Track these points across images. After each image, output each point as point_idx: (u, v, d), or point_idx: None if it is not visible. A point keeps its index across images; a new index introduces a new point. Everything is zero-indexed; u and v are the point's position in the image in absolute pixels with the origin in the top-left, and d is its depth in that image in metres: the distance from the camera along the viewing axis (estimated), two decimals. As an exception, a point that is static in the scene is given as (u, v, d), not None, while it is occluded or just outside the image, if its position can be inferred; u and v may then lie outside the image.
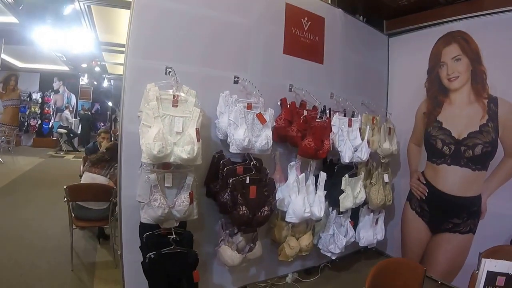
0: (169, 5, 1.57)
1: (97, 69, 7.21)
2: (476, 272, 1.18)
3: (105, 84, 8.91)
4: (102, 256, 2.30)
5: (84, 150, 3.50)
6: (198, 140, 1.34)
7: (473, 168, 2.10)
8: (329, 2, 2.34)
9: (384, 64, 2.68)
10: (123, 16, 3.70)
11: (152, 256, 1.33)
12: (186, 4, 1.63)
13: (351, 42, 2.35)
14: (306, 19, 2.10)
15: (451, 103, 2.26)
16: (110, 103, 9.31)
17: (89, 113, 8.76)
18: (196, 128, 1.37)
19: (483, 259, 1.20)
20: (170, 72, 1.49)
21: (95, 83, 8.83)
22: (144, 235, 1.39)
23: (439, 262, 2.26)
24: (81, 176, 2.51)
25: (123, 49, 1.72)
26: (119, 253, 1.52)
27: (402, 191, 2.52)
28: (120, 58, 5.78)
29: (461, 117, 2.19)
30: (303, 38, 2.08)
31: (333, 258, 2.13)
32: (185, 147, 1.31)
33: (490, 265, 1.17)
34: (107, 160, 2.39)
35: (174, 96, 1.38)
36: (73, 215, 2.08)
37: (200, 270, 1.46)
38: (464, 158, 2.13)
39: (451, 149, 2.20)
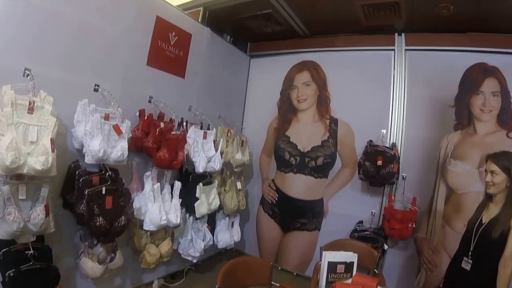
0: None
1: None
2: (320, 263, 1.69)
3: None
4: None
5: None
6: (52, 151, 1.53)
7: (315, 176, 3.14)
8: (199, 21, 2.97)
9: (244, 82, 3.60)
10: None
11: (12, 274, 1.48)
12: (49, 1, 1.77)
13: (214, 60, 3.08)
14: (174, 33, 2.66)
15: (298, 121, 3.28)
16: None
17: None
18: (51, 138, 1.54)
19: (323, 251, 1.74)
20: (28, 75, 1.61)
21: None
22: (1, 252, 1.52)
23: (292, 256, 3.20)
24: None
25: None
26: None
27: (256, 196, 3.46)
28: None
29: (306, 133, 3.22)
30: (168, 52, 2.63)
31: (194, 261, 2.74)
32: (39, 158, 1.47)
33: (330, 256, 1.69)
34: None
35: (30, 103, 1.51)
36: None
37: (63, 284, 1.69)
38: (308, 167, 3.15)
39: (297, 160, 3.21)
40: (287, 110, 3.38)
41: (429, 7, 2.61)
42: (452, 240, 2.58)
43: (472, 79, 2.84)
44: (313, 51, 3.32)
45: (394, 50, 2.99)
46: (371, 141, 2.82)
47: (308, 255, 3.19)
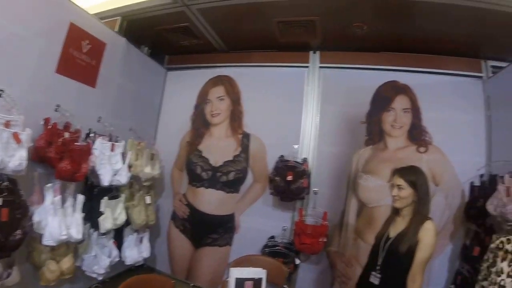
0: None
1: None
2: (227, 280, 1.79)
3: None
4: None
5: None
6: None
7: (227, 191, 3.35)
8: (116, 30, 3.11)
9: (159, 95, 3.81)
10: None
11: None
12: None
13: (129, 71, 3.23)
14: (87, 42, 2.75)
15: (211, 135, 3.51)
16: None
17: None
18: None
19: (230, 268, 1.84)
20: None
21: None
22: None
23: (204, 272, 3.35)
24: None
25: None
26: None
27: (167, 211, 3.62)
28: None
29: (218, 148, 3.44)
30: (79, 60, 2.71)
31: (99, 278, 2.76)
32: None
33: (237, 273, 1.78)
34: None
35: None
36: None
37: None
38: (220, 182, 3.36)
39: (209, 174, 3.41)
40: (200, 124, 3.60)
41: (343, 26, 2.93)
42: (364, 253, 2.75)
43: (384, 97, 3.21)
44: (229, 66, 3.59)
45: (308, 67, 3.33)
46: (282, 156, 3.07)
47: (220, 271, 3.34)
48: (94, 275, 2.76)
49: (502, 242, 1.18)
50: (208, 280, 3.36)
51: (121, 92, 3.18)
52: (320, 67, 3.28)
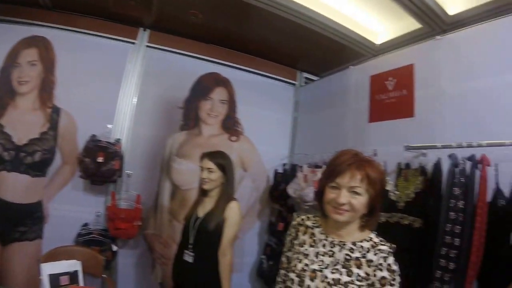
0: None
1: None
2: (41, 278, 1.62)
3: None
4: None
5: None
6: None
7: (32, 174, 2.98)
8: None
9: None
10: None
11: None
12: None
13: None
14: None
15: (16, 107, 3.02)
16: None
17: None
18: None
19: (41, 264, 1.68)
20: None
21: None
22: None
23: (17, 273, 2.89)
24: None
25: None
26: None
27: None
28: None
29: (23, 123, 3.00)
30: None
31: None
32: None
33: (50, 268, 1.65)
34: None
35: None
36: None
37: None
38: (24, 164, 2.96)
39: (11, 154, 2.96)
40: (4, 92, 3.09)
41: (180, 10, 3.03)
42: (180, 233, 3.08)
43: (204, 86, 3.57)
44: (49, 27, 3.21)
45: (134, 43, 3.32)
46: (94, 135, 2.99)
47: (35, 269, 2.93)
48: None
49: (302, 219, 1.42)
50: (24, 281, 2.94)
51: None
52: (147, 46, 3.33)
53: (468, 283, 1.94)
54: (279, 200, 3.63)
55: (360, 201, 1.19)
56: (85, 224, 3.06)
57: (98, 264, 2.66)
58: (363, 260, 1.21)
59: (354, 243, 1.25)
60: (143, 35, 3.41)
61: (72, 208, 3.09)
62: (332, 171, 1.22)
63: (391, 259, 1.21)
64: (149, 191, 3.32)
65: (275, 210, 3.75)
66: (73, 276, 1.89)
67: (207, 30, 3.43)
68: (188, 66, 3.58)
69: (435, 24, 2.67)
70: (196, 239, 2.16)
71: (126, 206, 3.13)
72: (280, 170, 3.81)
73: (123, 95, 3.28)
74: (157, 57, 3.44)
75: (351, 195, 1.18)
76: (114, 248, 3.01)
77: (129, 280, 3.27)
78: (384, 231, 2.24)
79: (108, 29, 3.31)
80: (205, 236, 2.13)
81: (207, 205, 2.23)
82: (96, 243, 2.93)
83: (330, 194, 1.21)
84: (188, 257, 2.14)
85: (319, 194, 1.28)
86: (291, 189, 3.30)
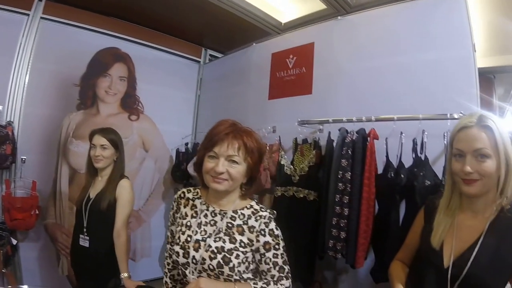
0: None
1: None
2: None
3: None
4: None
5: None
6: None
7: None
8: None
9: None
10: None
11: None
12: None
13: None
14: None
15: None
16: None
17: None
18: None
19: None
20: None
21: None
22: None
23: None
24: None
25: None
26: None
27: None
28: None
29: None
30: None
31: None
32: None
33: None
34: None
35: None
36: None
37: None
38: None
39: None
40: None
41: None
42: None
43: (103, 62, 3.55)
44: None
45: (29, 15, 3.16)
46: None
47: None
48: None
49: (183, 192, 1.48)
50: None
51: None
52: (42, 18, 3.22)
53: (360, 251, 2.09)
54: (182, 179, 3.86)
55: (238, 170, 1.26)
56: (-21, 220, 2.77)
57: (-5, 259, 2.48)
58: (245, 226, 1.28)
59: (235, 211, 1.32)
60: (39, 6, 3.24)
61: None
62: (210, 140, 1.27)
63: (272, 224, 1.29)
64: (46, 177, 3.28)
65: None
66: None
67: (107, 2, 3.43)
68: (85, 40, 3.51)
69: (339, 6, 2.98)
70: (89, 222, 2.19)
71: (22, 194, 3.08)
72: (182, 149, 4.01)
73: (16, 72, 3.15)
74: (53, 30, 3.31)
75: (229, 164, 1.25)
76: (14, 242, 2.96)
77: (35, 274, 3.23)
78: (281, 204, 2.64)
79: (-1, -1, 2.92)
80: (98, 218, 2.16)
81: (99, 185, 2.25)
82: (-7, 237, 2.70)
83: (208, 164, 1.26)
84: (84, 241, 2.18)
85: (199, 165, 1.33)
86: (191, 168, 3.49)
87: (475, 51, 2.11)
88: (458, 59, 2.13)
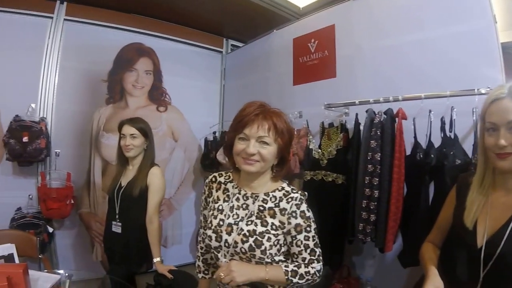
0: None
1: None
2: None
3: None
4: None
5: None
6: None
7: None
8: None
9: None
10: None
11: None
12: None
13: None
14: None
15: None
16: None
17: None
18: None
19: None
20: None
21: None
22: None
23: None
24: None
25: None
26: None
27: None
28: None
29: None
30: None
31: None
32: None
33: None
34: None
35: None
36: None
37: None
38: None
39: None
40: None
41: None
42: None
43: (128, 57, 3.73)
44: None
45: (52, 18, 3.39)
46: (17, 116, 3.10)
47: None
48: None
49: (215, 176, 1.48)
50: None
51: None
52: (65, 19, 3.43)
53: (390, 234, 2.06)
54: (211, 168, 3.94)
55: (269, 150, 1.25)
56: (18, 209, 3.18)
57: (32, 246, 2.73)
58: (276, 209, 1.28)
59: (267, 194, 1.31)
60: (61, 9, 3.47)
61: (3, 193, 3.19)
62: (240, 122, 1.26)
63: (304, 206, 1.28)
64: (80, 168, 3.51)
65: (210, 178, 4.14)
66: (8, 259, 1.92)
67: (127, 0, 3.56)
68: (109, 38, 3.72)
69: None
70: (121, 209, 2.25)
71: (57, 185, 3.30)
72: (211, 138, 4.12)
73: (46, 72, 3.38)
74: (77, 31, 3.53)
75: (260, 145, 1.24)
76: (50, 229, 3.16)
77: (70, 260, 3.48)
78: (310, 189, 2.62)
79: (22, 4, 3.33)
80: (130, 205, 2.22)
81: (130, 173, 2.31)
82: (31, 226, 3.05)
83: (239, 146, 1.25)
84: (116, 228, 2.25)
85: (229, 148, 1.33)
86: (220, 156, 3.58)
87: (496, 22, 2.04)
88: (480, 31, 2.06)
